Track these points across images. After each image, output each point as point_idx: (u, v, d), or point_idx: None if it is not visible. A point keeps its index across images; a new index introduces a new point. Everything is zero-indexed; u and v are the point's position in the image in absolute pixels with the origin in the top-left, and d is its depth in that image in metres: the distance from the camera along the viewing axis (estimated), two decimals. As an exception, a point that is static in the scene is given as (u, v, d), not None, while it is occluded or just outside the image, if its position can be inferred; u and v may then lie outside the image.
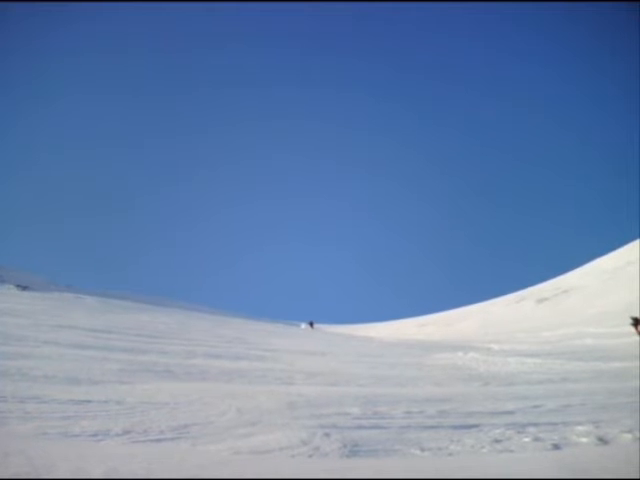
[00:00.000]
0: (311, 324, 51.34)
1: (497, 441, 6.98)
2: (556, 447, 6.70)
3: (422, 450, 6.51)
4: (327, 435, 6.87)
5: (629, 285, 64.36)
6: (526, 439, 7.07)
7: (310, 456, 6.07)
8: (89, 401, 8.48)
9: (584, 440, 6.98)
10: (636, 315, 29.98)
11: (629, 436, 7.07)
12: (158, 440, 6.58)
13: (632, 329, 29.04)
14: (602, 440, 6.95)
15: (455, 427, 7.71)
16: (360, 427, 7.55)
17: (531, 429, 7.56)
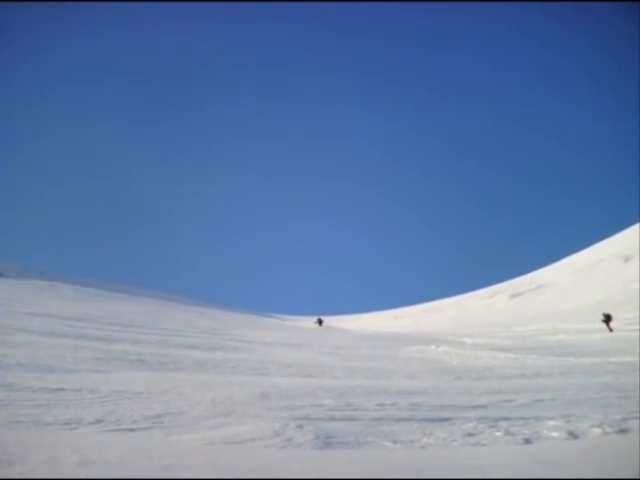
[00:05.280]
0: (320, 321, 45.82)
1: (469, 434, 7.04)
2: (527, 441, 6.77)
3: (394, 442, 6.54)
4: (300, 426, 6.87)
5: (601, 282, 65.42)
6: (498, 433, 7.13)
7: (283, 447, 6.07)
8: (62, 389, 8.42)
9: (555, 434, 7.07)
10: (607, 311, 30.50)
11: (598, 431, 7.18)
12: (131, 429, 6.54)
13: (603, 325, 29.55)
14: (572, 435, 7.04)
15: (427, 420, 7.75)
16: (333, 419, 7.56)
17: (503, 423, 7.63)
